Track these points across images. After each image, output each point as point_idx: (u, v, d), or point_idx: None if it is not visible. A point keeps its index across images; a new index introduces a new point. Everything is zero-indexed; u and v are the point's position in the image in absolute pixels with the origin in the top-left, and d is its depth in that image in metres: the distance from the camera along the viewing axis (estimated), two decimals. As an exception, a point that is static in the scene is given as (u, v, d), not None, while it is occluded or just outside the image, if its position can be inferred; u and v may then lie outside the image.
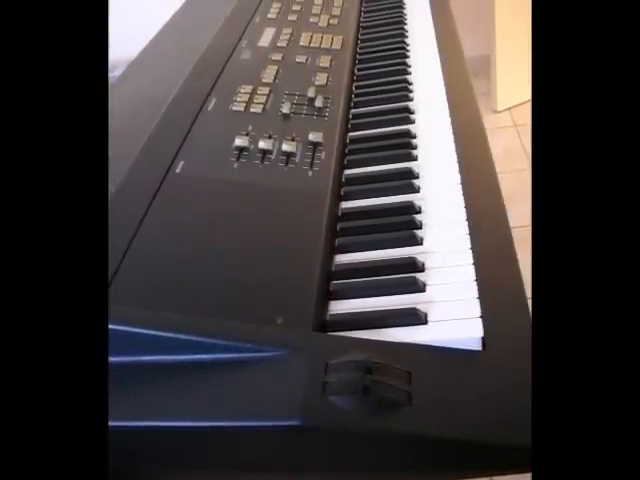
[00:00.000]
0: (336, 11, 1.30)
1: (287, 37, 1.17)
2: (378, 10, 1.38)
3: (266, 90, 0.99)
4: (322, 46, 1.15)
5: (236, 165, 0.82)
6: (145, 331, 0.60)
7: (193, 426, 0.56)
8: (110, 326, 0.59)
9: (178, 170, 0.80)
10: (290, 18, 1.25)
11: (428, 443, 0.53)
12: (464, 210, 0.76)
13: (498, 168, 0.83)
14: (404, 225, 0.76)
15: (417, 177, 0.84)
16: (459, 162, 0.84)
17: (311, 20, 1.26)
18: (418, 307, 0.64)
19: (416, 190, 0.82)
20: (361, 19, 1.35)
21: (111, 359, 0.58)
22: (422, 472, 0.57)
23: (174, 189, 0.77)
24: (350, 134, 0.96)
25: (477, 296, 0.64)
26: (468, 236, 0.72)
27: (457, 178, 0.81)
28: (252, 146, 0.85)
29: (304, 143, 0.87)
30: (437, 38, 1.21)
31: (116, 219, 0.69)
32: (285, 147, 0.85)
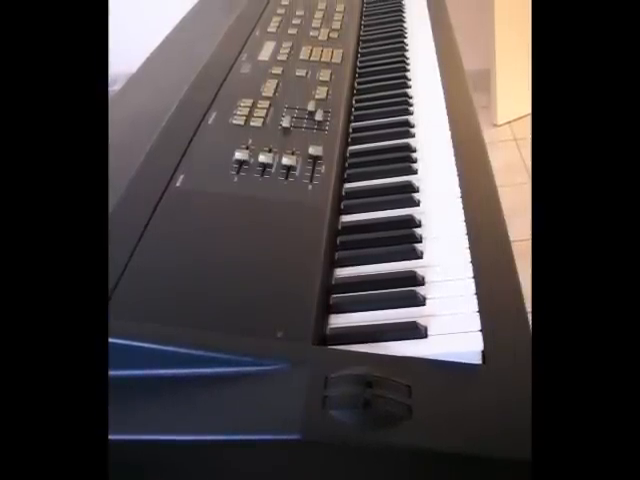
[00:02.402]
0: (336, 25, 1.30)
1: (287, 51, 1.17)
2: (378, 24, 1.39)
3: (266, 104, 0.99)
4: (322, 60, 1.15)
5: (236, 179, 0.82)
6: (145, 345, 0.60)
7: (193, 440, 0.56)
8: (110, 340, 0.59)
9: (178, 184, 0.80)
10: (290, 32, 1.26)
11: (428, 456, 0.53)
12: (464, 224, 0.76)
13: (498, 182, 0.83)
14: (404, 239, 0.76)
15: (417, 191, 0.84)
16: (459, 176, 0.84)
17: (311, 34, 1.26)
18: (418, 321, 0.64)
19: (416, 204, 0.82)
20: (361, 33, 1.35)
21: (111, 373, 0.58)
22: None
23: (174, 203, 0.77)
24: (350, 148, 0.96)
25: (477, 310, 0.64)
26: (468, 250, 0.72)
27: (457, 192, 0.81)
28: (252, 160, 0.85)
29: (304, 157, 0.87)
30: (437, 52, 1.21)
31: (116, 233, 0.69)
32: (285, 161, 0.85)
